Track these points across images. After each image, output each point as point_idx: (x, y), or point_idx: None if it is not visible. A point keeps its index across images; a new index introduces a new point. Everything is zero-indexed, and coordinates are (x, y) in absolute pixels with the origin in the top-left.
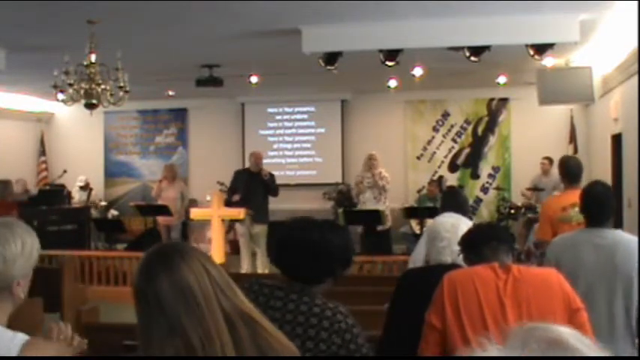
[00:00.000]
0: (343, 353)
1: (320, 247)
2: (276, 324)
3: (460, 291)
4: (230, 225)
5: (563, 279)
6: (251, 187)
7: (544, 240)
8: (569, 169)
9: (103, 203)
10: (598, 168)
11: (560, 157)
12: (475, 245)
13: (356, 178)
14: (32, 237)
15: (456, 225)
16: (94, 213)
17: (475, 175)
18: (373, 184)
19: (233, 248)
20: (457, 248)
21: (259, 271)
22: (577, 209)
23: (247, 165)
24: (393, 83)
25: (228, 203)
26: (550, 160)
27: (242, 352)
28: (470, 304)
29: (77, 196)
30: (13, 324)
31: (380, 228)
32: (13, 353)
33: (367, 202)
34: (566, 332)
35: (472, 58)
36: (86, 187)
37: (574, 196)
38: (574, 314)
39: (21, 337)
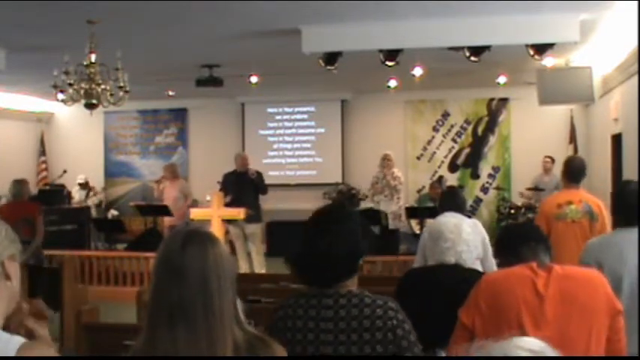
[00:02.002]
0: (393, 350)
1: (339, 247)
2: (331, 335)
3: (497, 290)
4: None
5: (605, 280)
6: (240, 187)
7: None
8: (572, 169)
9: (100, 192)
10: (598, 168)
11: (563, 156)
12: (513, 246)
13: (372, 179)
14: (11, 229)
15: (458, 225)
16: (94, 213)
17: (475, 175)
18: (386, 185)
19: (233, 248)
20: (460, 249)
21: (257, 271)
22: (572, 207)
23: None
24: (393, 83)
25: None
26: (552, 159)
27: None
28: (506, 303)
29: (77, 196)
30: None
31: (392, 227)
32: (11, 354)
33: (381, 202)
34: None
35: (472, 58)
36: (86, 186)
37: (570, 194)
38: (615, 316)
39: (18, 340)
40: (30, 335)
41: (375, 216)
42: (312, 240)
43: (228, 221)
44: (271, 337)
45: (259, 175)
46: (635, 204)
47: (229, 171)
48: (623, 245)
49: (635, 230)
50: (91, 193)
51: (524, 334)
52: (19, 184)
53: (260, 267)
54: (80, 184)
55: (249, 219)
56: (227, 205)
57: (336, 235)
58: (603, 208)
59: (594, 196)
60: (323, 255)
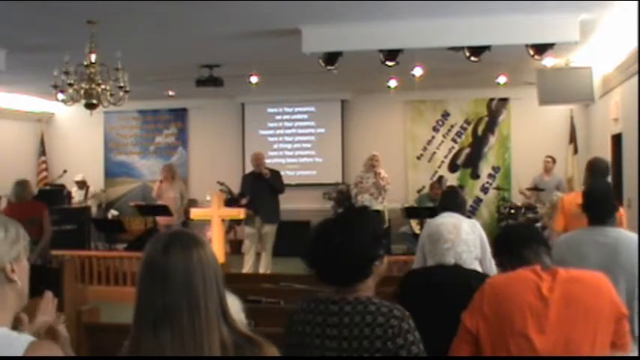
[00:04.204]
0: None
1: (352, 247)
2: (335, 342)
3: (501, 295)
4: (230, 225)
5: (610, 283)
6: (257, 188)
7: (556, 231)
8: (596, 169)
9: (101, 189)
10: None
11: (564, 156)
12: (514, 248)
13: (355, 179)
14: (16, 225)
15: (457, 225)
16: (94, 211)
17: (475, 175)
18: (374, 185)
19: (233, 248)
20: (460, 249)
21: (261, 271)
22: None
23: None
24: (393, 83)
25: (234, 204)
26: (553, 159)
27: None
28: (511, 308)
29: (77, 196)
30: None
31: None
32: (18, 354)
33: (365, 202)
34: None
35: (472, 58)
36: (83, 185)
37: None
38: (619, 321)
39: (26, 338)
40: (54, 337)
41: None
42: (325, 239)
43: (243, 221)
44: (287, 339)
45: (274, 173)
46: (600, 203)
47: (248, 172)
48: (584, 244)
49: (600, 229)
50: (89, 194)
51: (528, 339)
52: (22, 185)
53: (266, 268)
54: (77, 182)
55: (267, 220)
56: (246, 206)
57: (349, 236)
58: (623, 212)
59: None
60: (334, 255)
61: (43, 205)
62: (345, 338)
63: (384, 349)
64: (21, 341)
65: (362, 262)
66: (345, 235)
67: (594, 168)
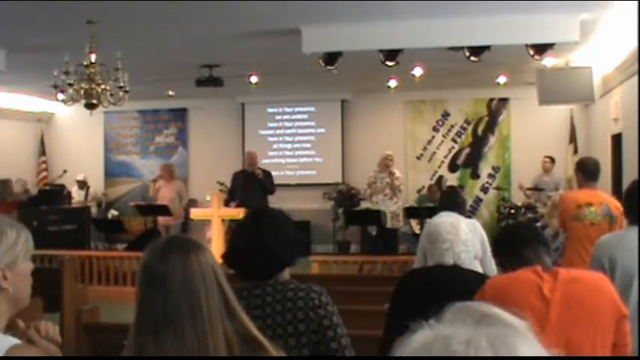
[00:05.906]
0: (314, 328)
1: (270, 251)
2: (259, 321)
3: (502, 296)
4: (230, 225)
5: (611, 284)
6: (248, 187)
7: (553, 227)
8: (588, 168)
9: (102, 192)
10: None
11: (564, 156)
12: (514, 248)
13: (369, 179)
14: (17, 230)
15: (456, 225)
16: (94, 212)
17: (475, 175)
18: (388, 185)
19: None
20: (459, 249)
21: None
22: (592, 209)
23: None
24: (393, 83)
25: (228, 206)
26: (552, 159)
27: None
28: (512, 309)
29: (77, 196)
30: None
31: (389, 226)
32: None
33: (379, 202)
34: (497, 309)
35: (472, 58)
36: (83, 185)
37: (591, 195)
38: (620, 321)
39: (10, 340)
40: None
41: (375, 216)
42: (248, 238)
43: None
44: None
45: (267, 174)
46: None
47: (238, 170)
48: (635, 244)
49: None
50: (89, 196)
51: None
52: (1, 185)
53: None
54: (78, 182)
55: None
56: (236, 205)
57: (270, 235)
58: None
59: (612, 198)
60: (257, 253)
61: (14, 208)
62: (268, 315)
63: (307, 318)
64: (4, 342)
65: (282, 259)
66: (261, 236)
67: (585, 169)
